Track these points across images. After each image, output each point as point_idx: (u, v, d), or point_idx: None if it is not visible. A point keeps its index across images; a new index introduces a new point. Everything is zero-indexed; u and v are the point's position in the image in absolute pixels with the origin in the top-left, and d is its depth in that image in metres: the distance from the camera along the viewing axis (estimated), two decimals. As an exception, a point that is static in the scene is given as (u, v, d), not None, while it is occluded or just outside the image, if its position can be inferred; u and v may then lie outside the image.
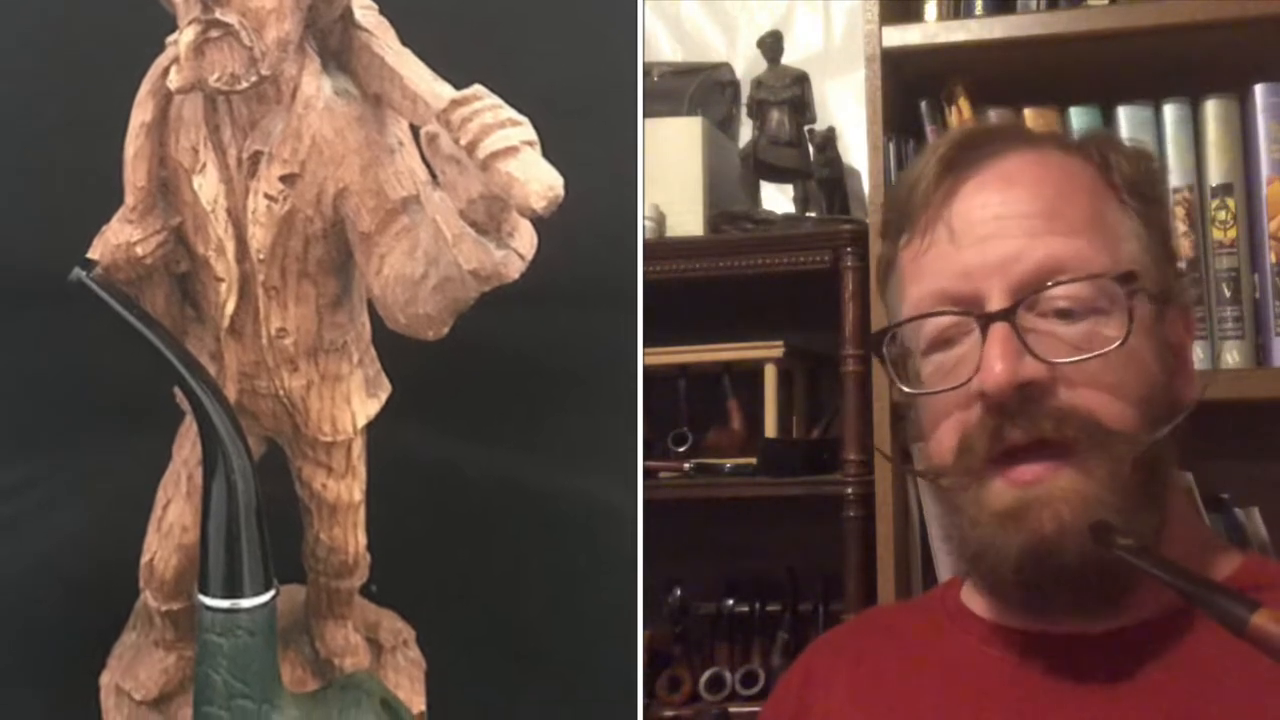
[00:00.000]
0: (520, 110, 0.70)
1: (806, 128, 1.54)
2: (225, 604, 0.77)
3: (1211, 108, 1.25)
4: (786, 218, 1.52)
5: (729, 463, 1.46)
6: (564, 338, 1.25)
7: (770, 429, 1.46)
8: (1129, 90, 1.28)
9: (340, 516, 0.94)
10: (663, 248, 1.46)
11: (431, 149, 0.72)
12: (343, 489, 0.93)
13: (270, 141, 0.80)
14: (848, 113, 1.62)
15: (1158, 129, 1.27)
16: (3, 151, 1.20)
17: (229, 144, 0.81)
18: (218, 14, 0.75)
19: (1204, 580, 0.63)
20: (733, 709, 1.40)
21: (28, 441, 1.19)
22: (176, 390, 0.87)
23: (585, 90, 1.20)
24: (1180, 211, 1.24)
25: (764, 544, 1.49)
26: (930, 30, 1.34)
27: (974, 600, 0.82)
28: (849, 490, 1.36)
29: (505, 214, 0.72)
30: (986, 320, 0.74)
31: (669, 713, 1.42)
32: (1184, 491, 0.97)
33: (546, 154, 0.69)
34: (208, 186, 0.81)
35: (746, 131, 1.62)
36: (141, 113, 0.82)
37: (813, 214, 1.53)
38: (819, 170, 1.52)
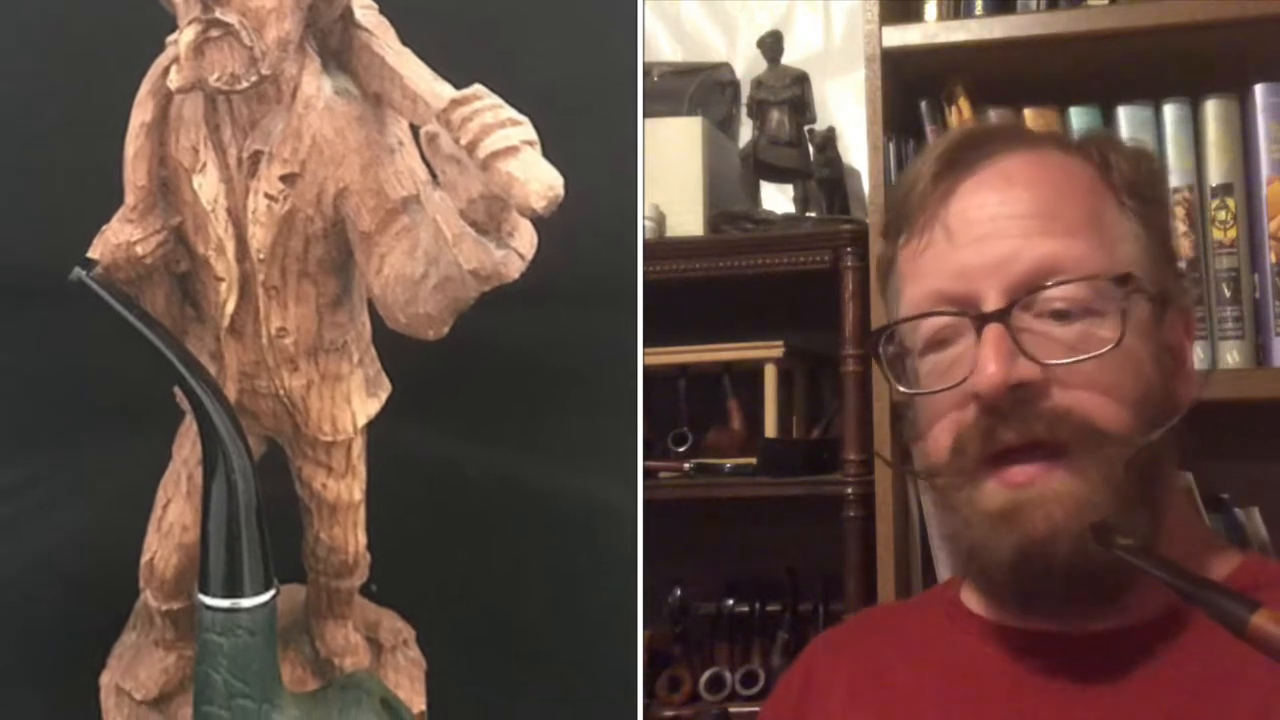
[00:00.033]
0: (520, 110, 0.70)
1: (806, 128, 1.54)
2: (225, 603, 0.77)
3: (1211, 108, 1.25)
4: (786, 218, 1.52)
5: (729, 463, 1.45)
6: (564, 337, 1.25)
7: (770, 429, 1.46)
8: (1129, 90, 1.28)
9: (340, 516, 0.94)
10: (663, 248, 1.45)
11: (431, 149, 0.72)
12: (343, 489, 0.93)
13: (270, 141, 0.80)
14: (848, 113, 1.62)
15: (1158, 129, 1.27)
16: (3, 151, 1.20)
17: (229, 143, 0.81)
18: (218, 14, 0.75)
19: (1204, 580, 0.63)
20: (733, 709, 1.40)
21: (28, 441, 1.19)
22: (176, 390, 0.87)
23: (585, 90, 1.20)
24: (1180, 211, 1.24)
25: (764, 544, 1.49)
26: (930, 30, 1.34)
27: (973, 599, 0.82)
28: (849, 490, 1.36)
29: (505, 214, 0.72)
30: (981, 321, 0.74)
31: (669, 713, 1.42)
32: (1184, 491, 0.97)
33: (546, 154, 0.69)
34: (208, 186, 0.81)
35: (746, 131, 1.62)
36: (141, 112, 0.82)
37: (813, 214, 1.52)
38: (819, 170, 1.52)
